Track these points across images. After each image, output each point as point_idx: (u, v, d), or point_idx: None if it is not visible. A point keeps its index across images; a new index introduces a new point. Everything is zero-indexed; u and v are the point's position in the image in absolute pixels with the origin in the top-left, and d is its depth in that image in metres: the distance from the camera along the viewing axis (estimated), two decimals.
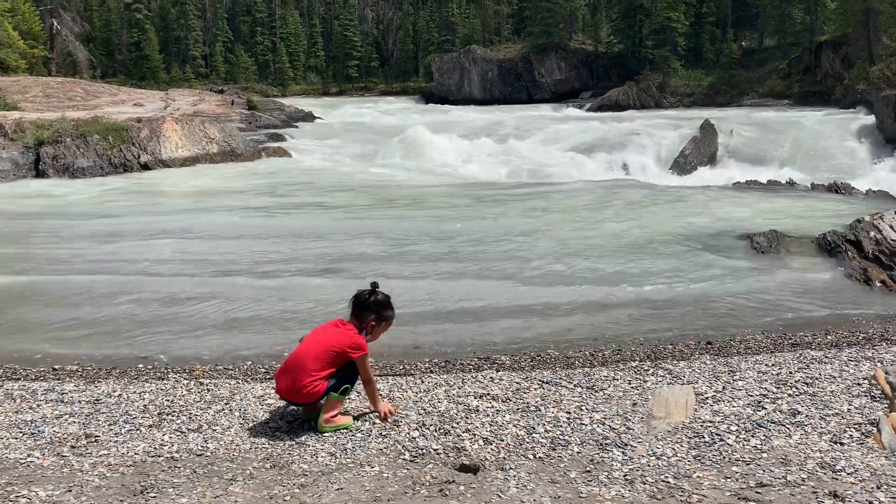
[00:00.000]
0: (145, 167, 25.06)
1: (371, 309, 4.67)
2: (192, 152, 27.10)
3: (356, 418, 4.74)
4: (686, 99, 54.06)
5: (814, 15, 52.96)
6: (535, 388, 5.25)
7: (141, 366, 7.04)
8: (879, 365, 5.57)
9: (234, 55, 77.72)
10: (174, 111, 37.18)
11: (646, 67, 56.18)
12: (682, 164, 28.11)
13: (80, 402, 5.29)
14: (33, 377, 6.40)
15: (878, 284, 9.70)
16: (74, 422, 4.86)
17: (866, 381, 5.13)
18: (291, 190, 20.28)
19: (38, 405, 5.23)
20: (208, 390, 5.50)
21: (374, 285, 4.72)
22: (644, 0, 58.93)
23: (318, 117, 46.69)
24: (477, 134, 31.97)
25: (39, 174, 23.63)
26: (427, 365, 6.60)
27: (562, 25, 63.80)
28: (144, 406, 5.12)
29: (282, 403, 5.10)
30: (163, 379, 6.15)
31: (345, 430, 4.58)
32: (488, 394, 5.13)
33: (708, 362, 6.01)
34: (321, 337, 4.60)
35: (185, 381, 5.87)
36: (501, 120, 40.81)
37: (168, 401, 5.22)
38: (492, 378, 5.56)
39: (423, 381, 5.57)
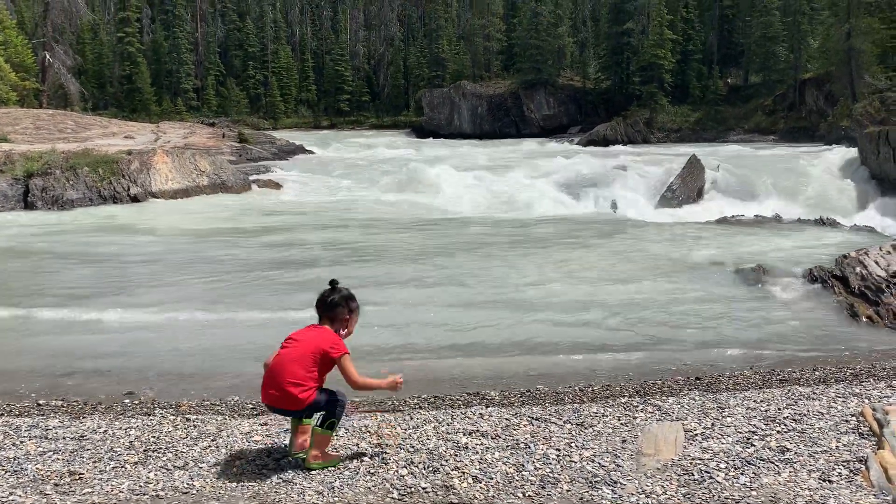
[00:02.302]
0: (135, 199, 25.04)
1: (340, 304, 4.62)
2: (183, 184, 27.12)
3: (343, 459, 4.69)
4: (673, 134, 54.74)
5: (797, 53, 53.99)
6: (524, 425, 5.23)
7: (127, 401, 6.97)
8: (867, 401, 5.59)
9: (225, 88, 78.19)
10: (165, 143, 37.24)
11: (633, 103, 56.95)
12: (669, 199, 28.35)
13: (64, 438, 5.22)
14: (17, 412, 6.32)
15: (865, 320, 9.77)
16: (59, 458, 4.79)
17: (854, 418, 5.14)
18: (279, 222, 20.29)
19: (21, 441, 5.16)
20: (195, 426, 5.45)
21: (334, 282, 4.70)
22: (631, 37, 59.92)
23: (310, 150, 46.85)
24: (469, 168, 32.19)
25: (28, 206, 23.55)
26: (416, 401, 6.57)
27: (550, 62, 64.69)
28: (130, 442, 5.07)
29: (269, 441, 5.06)
30: (149, 414, 6.09)
31: (332, 468, 4.54)
32: (478, 430, 5.11)
33: (697, 398, 6.02)
34: (301, 342, 4.52)
35: (172, 417, 5.82)
36: (491, 154, 41.18)
37: (154, 437, 5.17)
38: (481, 414, 5.54)
39: (412, 418, 5.54)
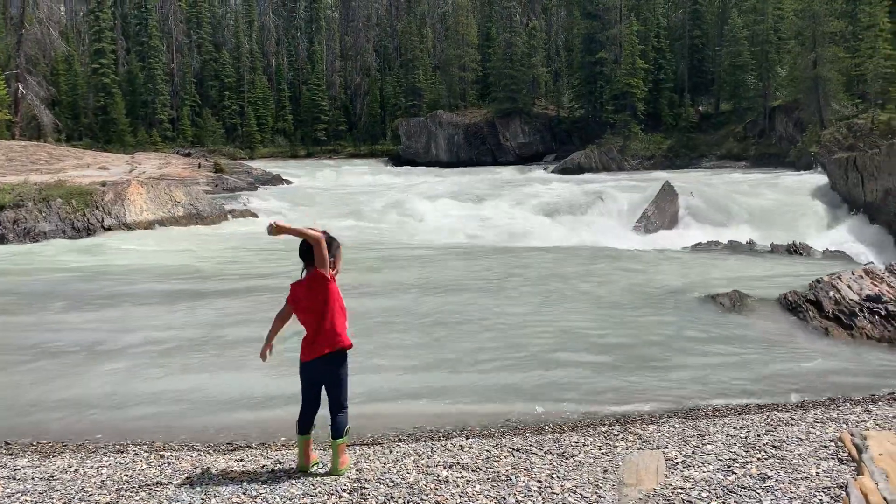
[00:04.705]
0: (109, 230, 24.75)
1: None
2: (158, 215, 26.89)
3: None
4: (646, 161, 55.43)
5: (766, 81, 55.09)
6: (505, 456, 5.18)
7: (100, 436, 6.81)
8: (845, 426, 5.62)
9: (201, 119, 77.95)
10: (140, 174, 36.98)
11: (607, 131, 57.66)
12: (644, 226, 28.63)
13: (33, 478, 5.08)
14: None
15: (840, 342, 9.85)
16: (27, 500, 4.65)
17: (833, 444, 5.16)
18: (252, 255, 20.13)
19: None
20: (169, 463, 5.33)
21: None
22: (604, 67, 60.84)
23: (286, 180, 46.76)
24: (447, 196, 32.33)
25: None
26: (395, 433, 6.48)
27: (525, 91, 65.42)
28: (102, 482, 4.94)
29: (246, 478, 4.96)
30: (122, 452, 5.94)
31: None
32: (458, 463, 5.05)
33: (677, 426, 6.01)
34: (313, 296, 4.86)
35: (146, 454, 5.69)
36: (469, 182, 41.38)
37: (127, 476, 5.04)
38: (461, 446, 5.48)
39: (391, 451, 5.47)
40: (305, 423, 5.00)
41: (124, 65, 78.10)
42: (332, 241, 4.92)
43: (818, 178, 31.73)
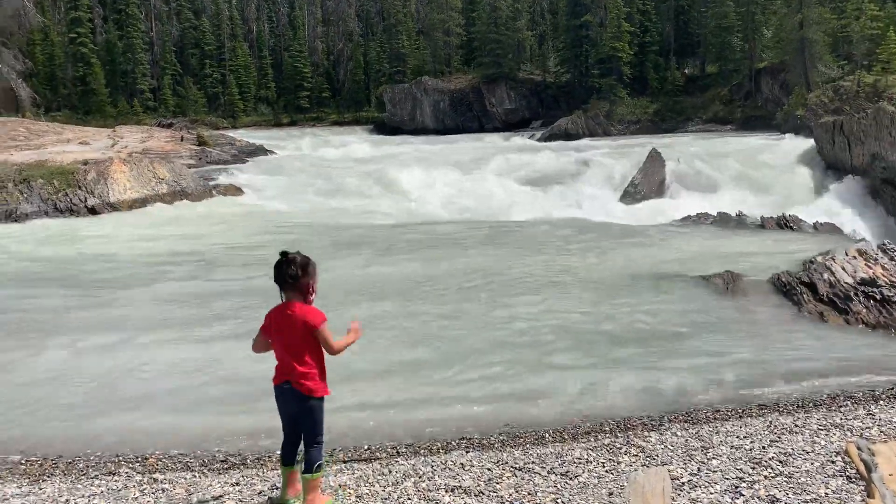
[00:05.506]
0: (92, 211, 24.34)
1: (301, 275, 4.52)
2: (142, 193, 26.46)
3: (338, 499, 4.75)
4: (633, 126, 55.15)
5: (752, 43, 54.68)
6: (507, 477, 5.08)
7: (89, 450, 6.66)
8: (849, 435, 5.56)
9: (183, 88, 76.66)
10: (122, 149, 36.33)
11: (593, 96, 57.20)
12: (632, 194, 28.54)
13: None
14: None
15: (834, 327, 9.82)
16: None
17: (839, 458, 5.09)
18: (242, 234, 19.87)
19: None
20: (163, 490, 5.19)
21: (285, 254, 4.58)
22: (590, 30, 60.16)
23: (270, 151, 46.14)
24: (433, 166, 31.96)
25: None
26: (393, 444, 6.37)
27: (510, 56, 64.68)
28: None
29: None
30: (113, 474, 5.80)
31: None
32: (460, 486, 4.94)
33: (679, 434, 5.94)
34: (290, 329, 4.48)
35: (139, 478, 5.55)
36: (455, 151, 40.98)
37: None
38: (462, 464, 5.38)
39: (390, 471, 5.35)
40: (286, 454, 4.72)
41: (102, 34, 76.41)
42: (309, 261, 4.60)
43: (804, 143, 31.64)
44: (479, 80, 65.35)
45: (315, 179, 32.30)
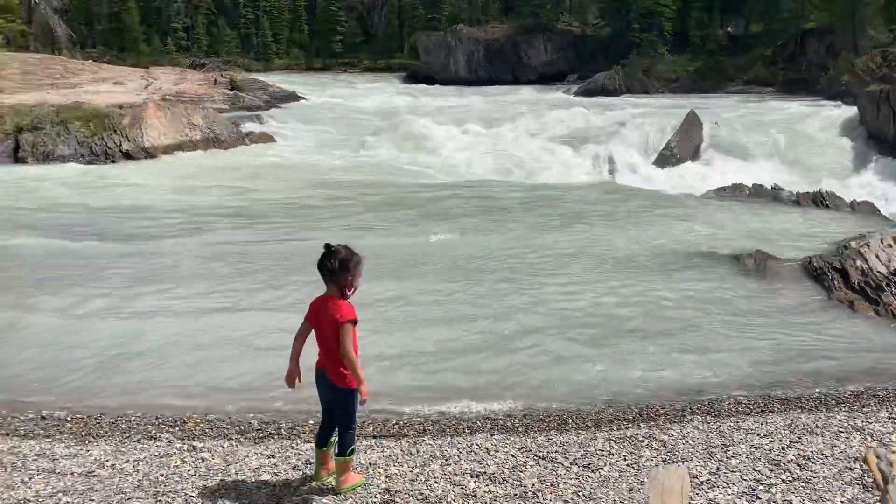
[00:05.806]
0: (127, 155, 24.68)
1: (340, 269, 4.63)
2: (175, 140, 26.73)
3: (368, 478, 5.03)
4: (671, 84, 54.04)
5: (800, 2, 52.95)
6: (531, 466, 5.27)
7: (130, 411, 6.97)
8: (869, 439, 5.65)
9: (216, 28, 76.36)
10: (156, 91, 36.58)
11: (632, 51, 56.00)
12: (667, 157, 28.15)
13: (72, 473, 5.23)
14: (22, 433, 6.31)
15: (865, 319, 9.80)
16: (68, 502, 4.81)
17: (858, 465, 5.20)
18: (279, 189, 20.07)
19: (29, 477, 5.17)
20: (202, 459, 5.47)
21: (329, 246, 4.69)
22: None
23: (303, 97, 46.20)
24: (464, 120, 31.74)
25: (18, 161, 23.21)
26: (419, 421, 6.59)
27: (549, 7, 63.41)
28: (139, 481, 5.08)
29: (278, 479, 5.10)
30: (154, 439, 6.09)
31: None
32: (485, 472, 5.14)
33: (700, 427, 6.07)
34: (324, 321, 4.65)
35: (179, 445, 5.83)
36: (487, 105, 40.61)
37: (162, 475, 5.18)
38: (487, 449, 5.58)
39: (417, 451, 5.57)
40: (320, 436, 4.97)
41: None
42: (351, 257, 4.72)
43: (847, 111, 30.88)
44: (515, 30, 64.21)
45: (348, 129, 32.37)
